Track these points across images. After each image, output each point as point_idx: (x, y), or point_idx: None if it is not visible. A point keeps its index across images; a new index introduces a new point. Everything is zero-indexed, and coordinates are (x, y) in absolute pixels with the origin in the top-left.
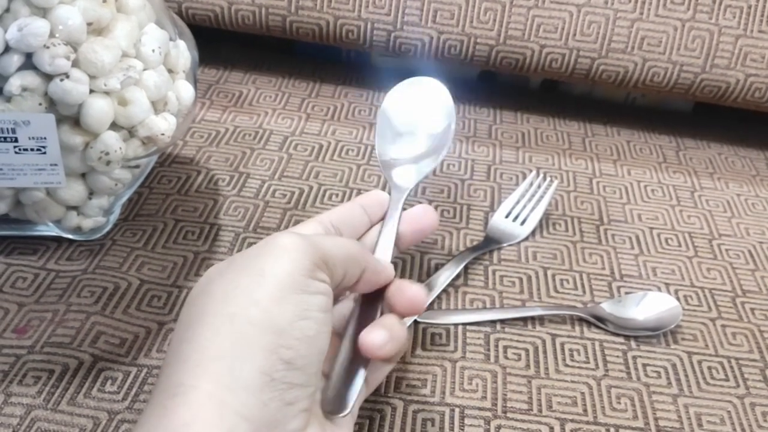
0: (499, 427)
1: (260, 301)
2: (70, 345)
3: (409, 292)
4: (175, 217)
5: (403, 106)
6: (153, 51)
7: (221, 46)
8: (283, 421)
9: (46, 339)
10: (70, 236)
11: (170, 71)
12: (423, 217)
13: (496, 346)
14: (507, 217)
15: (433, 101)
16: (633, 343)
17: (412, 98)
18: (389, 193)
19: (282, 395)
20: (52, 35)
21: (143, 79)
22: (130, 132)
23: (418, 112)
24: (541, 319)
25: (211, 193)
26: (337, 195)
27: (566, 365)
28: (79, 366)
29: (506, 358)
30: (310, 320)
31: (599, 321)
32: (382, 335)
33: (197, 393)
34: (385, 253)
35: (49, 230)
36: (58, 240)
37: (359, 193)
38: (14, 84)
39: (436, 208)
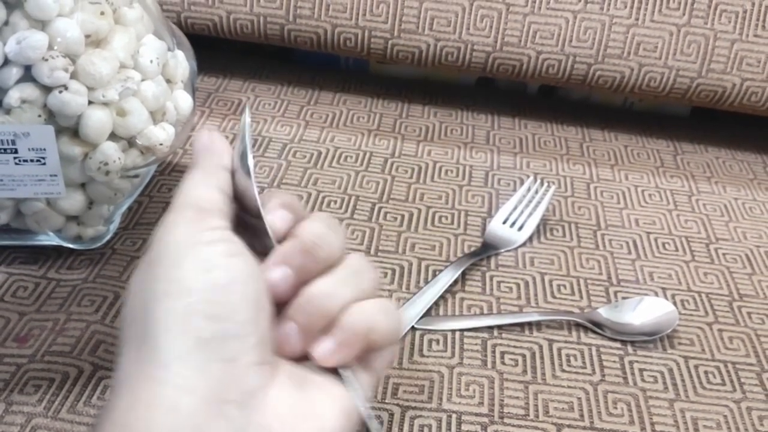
0: None
1: (160, 274)
2: (71, 354)
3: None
4: None
5: None
6: (151, 62)
7: (220, 54)
8: (233, 381)
9: (47, 348)
10: (70, 245)
11: (168, 81)
12: None
13: (493, 351)
14: (504, 223)
15: None
16: (630, 348)
17: None
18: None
19: (218, 353)
20: (50, 48)
21: (141, 90)
22: (129, 142)
23: None
24: (538, 325)
25: None
26: (335, 202)
27: (563, 370)
28: (79, 374)
29: (503, 363)
30: (216, 269)
31: (596, 326)
32: (330, 345)
33: (130, 382)
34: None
35: (50, 240)
36: (59, 249)
37: (358, 200)
38: (13, 96)
39: (434, 214)
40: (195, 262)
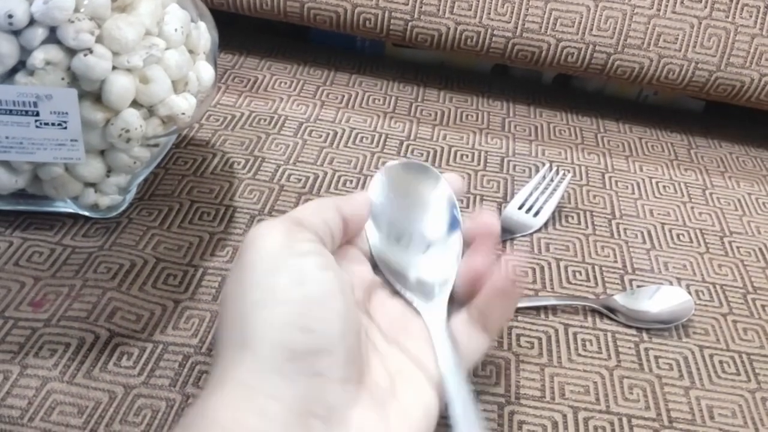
0: (512, 413)
1: (254, 282)
2: (87, 319)
3: (482, 217)
4: (190, 198)
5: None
6: (176, 30)
7: (237, 32)
8: (320, 396)
9: (63, 313)
10: (86, 213)
11: (191, 52)
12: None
13: (509, 334)
14: (520, 208)
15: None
16: (645, 336)
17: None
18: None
19: (309, 367)
20: (77, 10)
21: (165, 58)
22: (151, 110)
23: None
24: (553, 309)
25: (226, 176)
26: (351, 181)
27: (579, 355)
28: (95, 340)
29: (519, 345)
30: (310, 283)
31: (612, 312)
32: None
33: (227, 382)
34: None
35: (66, 207)
36: (75, 217)
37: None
38: (38, 57)
39: None
40: (289, 274)
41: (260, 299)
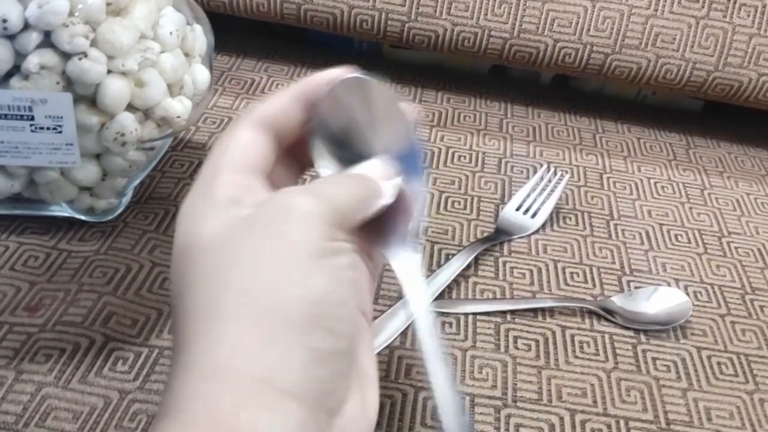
0: (509, 415)
1: (291, 272)
2: (82, 324)
3: None
4: None
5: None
6: (171, 33)
7: (234, 34)
8: (333, 391)
9: (58, 318)
10: (82, 217)
11: (186, 55)
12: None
13: (507, 336)
14: (518, 209)
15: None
16: (643, 337)
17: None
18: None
19: (330, 366)
20: (71, 14)
21: (160, 62)
22: (146, 114)
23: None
24: (551, 311)
25: None
26: None
27: (576, 357)
28: (90, 345)
29: (516, 348)
30: (343, 284)
31: (609, 314)
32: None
33: (241, 377)
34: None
35: (62, 211)
36: (70, 221)
37: None
38: (32, 62)
39: (446, 199)
40: (326, 275)
41: (292, 294)
